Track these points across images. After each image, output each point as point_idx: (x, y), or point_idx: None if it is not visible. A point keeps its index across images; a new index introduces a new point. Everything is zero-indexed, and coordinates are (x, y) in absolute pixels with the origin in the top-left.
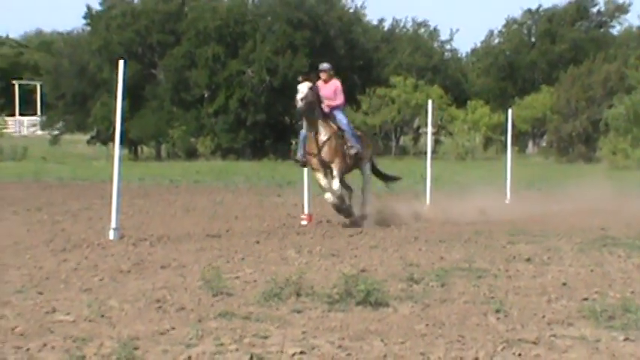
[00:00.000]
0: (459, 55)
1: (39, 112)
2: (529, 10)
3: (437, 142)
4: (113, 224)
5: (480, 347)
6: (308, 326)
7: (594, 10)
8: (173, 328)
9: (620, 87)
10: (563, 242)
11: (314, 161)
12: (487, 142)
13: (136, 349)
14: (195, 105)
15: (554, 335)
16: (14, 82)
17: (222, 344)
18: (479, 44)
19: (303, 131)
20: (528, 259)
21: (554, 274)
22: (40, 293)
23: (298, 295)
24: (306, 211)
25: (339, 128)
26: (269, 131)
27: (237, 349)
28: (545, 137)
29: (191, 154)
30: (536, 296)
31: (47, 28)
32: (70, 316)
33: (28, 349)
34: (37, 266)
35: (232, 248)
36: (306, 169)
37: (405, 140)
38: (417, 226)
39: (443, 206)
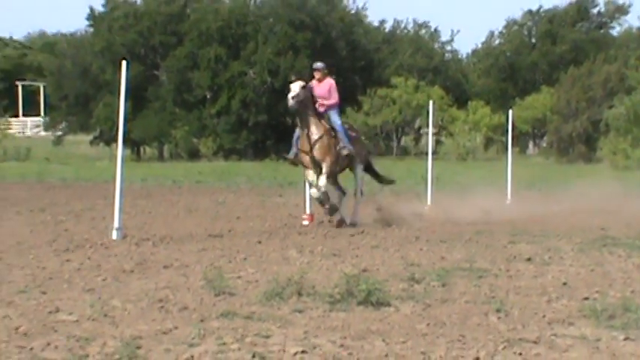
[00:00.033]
0: (460, 56)
1: (42, 113)
2: (529, 11)
3: (438, 142)
4: (116, 224)
5: (481, 347)
6: (309, 326)
7: (594, 11)
8: (176, 328)
9: (620, 88)
10: (563, 242)
11: (306, 159)
12: (488, 143)
13: (138, 348)
14: (197, 106)
15: (554, 334)
16: (18, 83)
17: (224, 343)
18: (479, 45)
19: (298, 131)
20: (529, 259)
21: (554, 273)
22: (44, 293)
23: (300, 294)
24: (307, 211)
25: (332, 128)
26: (271, 132)
27: (239, 349)
28: (545, 138)
29: (193, 154)
30: (537, 296)
31: (50, 30)
32: (73, 316)
33: (31, 349)
34: (41, 266)
35: (234, 248)
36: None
37: (406, 141)
38: (418, 226)
39: (444, 206)
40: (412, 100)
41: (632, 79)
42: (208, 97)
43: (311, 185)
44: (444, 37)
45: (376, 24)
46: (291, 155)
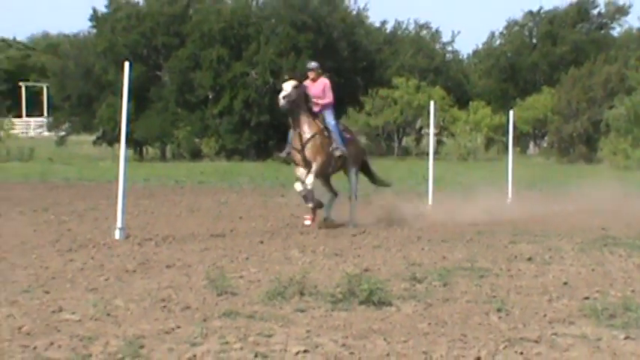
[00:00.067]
0: (461, 57)
1: (45, 114)
2: (530, 12)
3: (439, 142)
4: (119, 224)
5: (482, 346)
6: (312, 325)
7: (595, 11)
8: (178, 327)
9: (620, 88)
10: (564, 242)
11: (298, 157)
12: (489, 143)
13: (141, 347)
14: (199, 106)
15: (555, 334)
16: (21, 83)
17: (226, 343)
18: (480, 46)
19: (292, 130)
20: (530, 259)
21: (555, 273)
22: (47, 293)
23: (302, 294)
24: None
25: (326, 128)
26: (273, 132)
27: (241, 348)
28: (546, 138)
29: (196, 154)
30: (538, 295)
31: (53, 31)
32: (76, 315)
33: (35, 348)
34: (44, 266)
35: (237, 248)
36: None
37: (407, 141)
38: (420, 226)
39: (445, 206)
40: (413, 101)
41: (632, 80)
42: (210, 97)
43: (298, 180)
44: (445, 38)
45: (377, 25)
46: (283, 154)
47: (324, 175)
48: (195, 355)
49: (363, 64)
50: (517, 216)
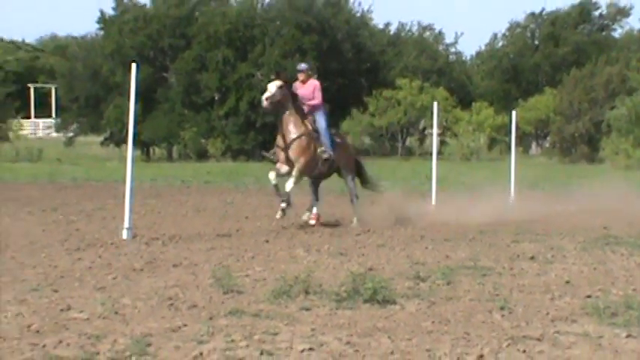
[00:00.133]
0: (464, 58)
1: (54, 115)
2: (532, 14)
3: (442, 143)
4: (126, 224)
5: (485, 344)
6: (316, 323)
7: (596, 13)
8: (185, 325)
9: (621, 89)
10: (566, 241)
11: (281, 156)
12: (491, 143)
13: (148, 345)
14: (205, 107)
15: (557, 332)
16: (30, 85)
17: (232, 341)
18: (483, 47)
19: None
20: (532, 258)
21: (557, 272)
22: (55, 291)
23: (307, 292)
24: (314, 211)
25: (316, 130)
26: None
27: (247, 346)
28: (548, 138)
29: (202, 155)
30: (540, 294)
31: (62, 33)
32: (84, 314)
33: (44, 346)
34: (52, 265)
35: (242, 247)
36: None
37: (411, 141)
38: (423, 225)
39: (448, 206)
40: (417, 102)
41: (633, 81)
42: (216, 98)
43: (273, 171)
44: (448, 40)
45: (381, 27)
46: (270, 154)
47: (315, 179)
48: (201, 353)
49: (367, 65)
50: (520, 215)
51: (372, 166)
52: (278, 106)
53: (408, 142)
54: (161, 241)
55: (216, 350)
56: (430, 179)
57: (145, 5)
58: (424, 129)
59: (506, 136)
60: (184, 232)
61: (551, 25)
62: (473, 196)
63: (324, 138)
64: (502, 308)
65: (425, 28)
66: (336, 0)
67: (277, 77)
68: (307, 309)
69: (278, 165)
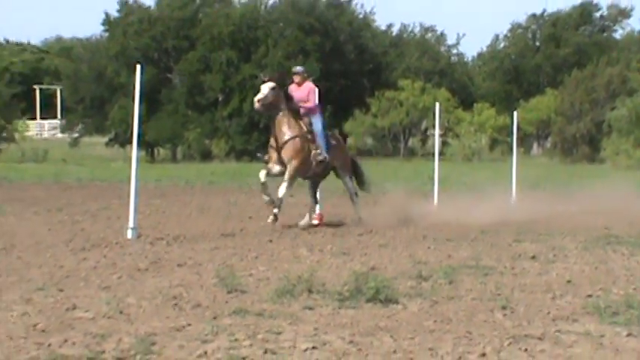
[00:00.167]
0: (466, 59)
1: (59, 116)
2: (534, 15)
3: (444, 143)
4: (131, 224)
5: (487, 343)
6: (319, 322)
7: (597, 14)
8: (189, 325)
9: (622, 90)
10: (567, 241)
11: (274, 156)
12: (493, 144)
13: (153, 344)
14: (209, 108)
15: (559, 331)
16: (35, 86)
17: (236, 340)
18: (485, 48)
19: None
20: (534, 257)
21: (559, 271)
22: (61, 291)
23: (310, 292)
24: (317, 211)
25: (312, 132)
26: None
27: (251, 345)
28: (549, 139)
29: (206, 155)
30: (542, 293)
31: (67, 35)
32: (89, 313)
33: (49, 345)
34: (58, 265)
35: (246, 247)
36: None
37: (413, 142)
38: (425, 225)
39: (450, 206)
40: (419, 102)
41: (634, 82)
42: (220, 99)
43: (264, 170)
44: (450, 41)
45: (384, 28)
46: (265, 156)
47: (311, 181)
48: (205, 352)
49: (369, 66)
50: (521, 215)
51: (374, 166)
52: (271, 108)
53: (410, 143)
54: (165, 240)
55: (220, 349)
56: (432, 180)
57: (150, 7)
58: (426, 130)
59: (507, 137)
60: (188, 232)
61: (552, 27)
62: (475, 197)
63: (320, 140)
64: (504, 307)
65: (427, 30)
66: (338, 2)
67: (270, 79)
68: (310, 308)
69: (270, 165)
